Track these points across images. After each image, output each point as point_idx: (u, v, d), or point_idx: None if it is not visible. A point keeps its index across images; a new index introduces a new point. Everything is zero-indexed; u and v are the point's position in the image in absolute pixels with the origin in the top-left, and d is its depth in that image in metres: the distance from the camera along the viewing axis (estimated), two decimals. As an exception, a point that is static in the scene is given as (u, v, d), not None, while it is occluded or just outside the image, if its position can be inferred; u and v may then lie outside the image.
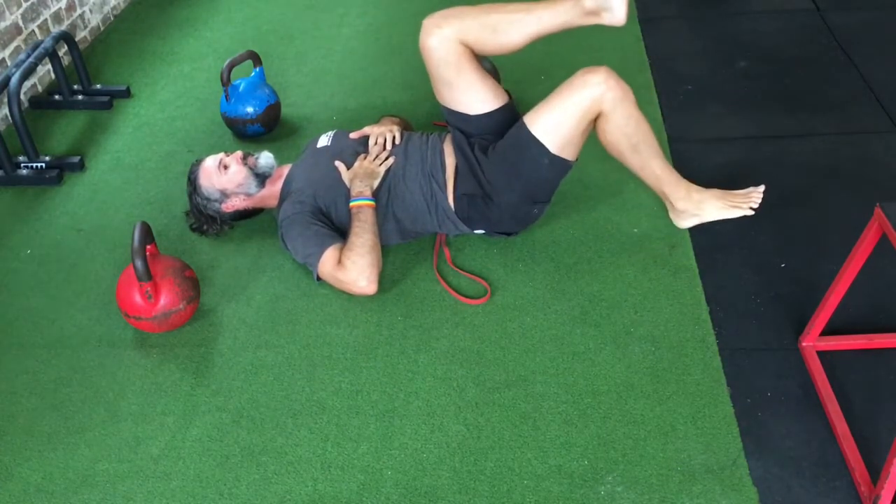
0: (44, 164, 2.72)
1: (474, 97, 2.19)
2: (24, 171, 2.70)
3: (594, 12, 2.05)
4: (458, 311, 2.11)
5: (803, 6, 3.49)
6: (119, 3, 3.88)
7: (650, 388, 1.87)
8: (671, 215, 2.21)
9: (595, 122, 2.07)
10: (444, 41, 2.10)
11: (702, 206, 2.13)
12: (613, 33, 3.32)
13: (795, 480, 1.67)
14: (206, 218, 2.35)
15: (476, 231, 2.28)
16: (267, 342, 2.06)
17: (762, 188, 2.13)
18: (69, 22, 3.41)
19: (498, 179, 2.14)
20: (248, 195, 2.32)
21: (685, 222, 2.18)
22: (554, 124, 2.06)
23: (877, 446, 1.72)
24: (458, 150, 2.21)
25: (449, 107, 2.23)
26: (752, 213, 2.09)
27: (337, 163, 2.28)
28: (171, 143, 2.89)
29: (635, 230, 2.32)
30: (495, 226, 2.25)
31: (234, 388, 1.95)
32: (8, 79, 2.66)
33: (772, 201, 2.42)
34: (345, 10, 3.77)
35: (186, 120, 3.02)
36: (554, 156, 2.08)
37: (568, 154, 2.10)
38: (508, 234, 2.30)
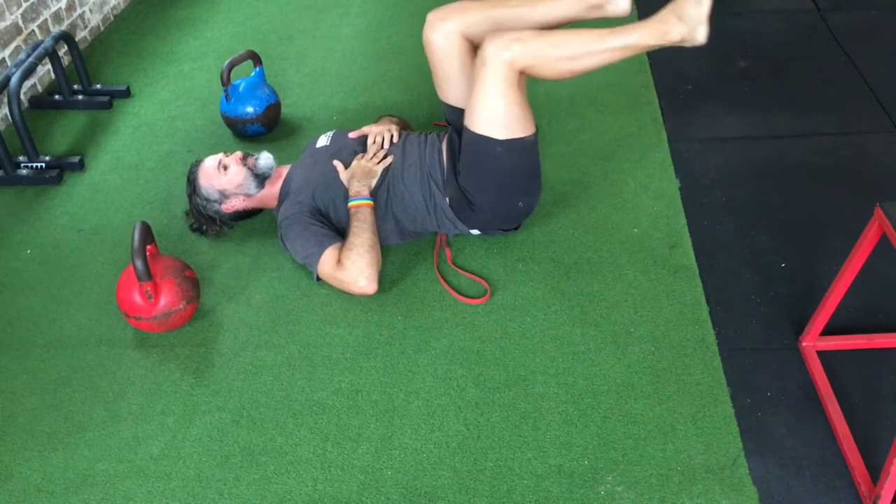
0: (44, 164, 2.72)
1: None
2: (24, 171, 2.70)
3: (598, 5, 2.05)
4: (458, 311, 2.11)
5: (803, 6, 3.49)
6: (119, 3, 3.88)
7: (650, 388, 1.87)
8: (685, 46, 1.96)
9: (529, 76, 2.00)
10: (447, 35, 2.10)
11: (689, 17, 1.87)
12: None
13: (795, 480, 1.67)
14: (205, 218, 2.35)
15: (473, 231, 2.28)
16: (267, 342, 2.06)
17: None
18: (69, 22, 3.41)
19: (471, 185, 2.15)
20: (248, 196, 2.32)
21: (698, 37, 1.90)
22: (486, 112, 2.02)
23: (877, 446, 1.72)
24: (450, 151, 2.21)
25: (449, 103, 2.23)
26: None
27: (335, 162, 2.28)
28: (171, 143, 2.89)
29: (635, 230, 2.32)
30: (488, 225, 2.25)
31: (234, 388, 1.95)
32: (8, 79, 2.66)
33: (772, 201, 2.43)
34: (345, 10, 3.77)
35: (186, 120, 3.02)
36: (504, 141, 2.04)
37: (518, 131, 2.05)
38: (506, 231, 2.29)
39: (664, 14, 1.90)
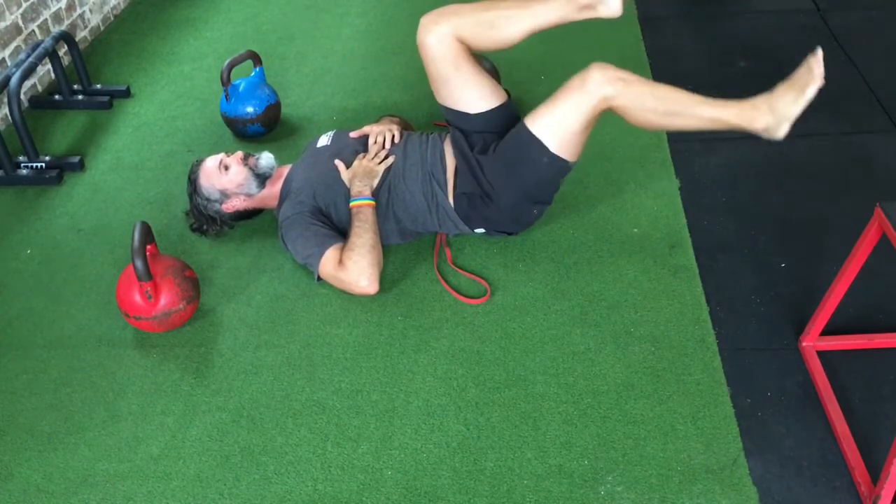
0: (44, 164, 2.72)
1: (472, 94, 2.19)
2: (24, 171, 2.70)
3: (589, 6, 2.05)
4: (458, 311, 2.11)
5: (803, 6, 3.49)
6: (119, 3, 3.88)
7: (650, 388, 1.87)
8: (762, 136, 1.99)
9: (616, 113, 2.03)
10: (441, 38, 2.11)
11: (778, 111, 1.93)
12: (613, 33, 3.34)
13: (795, 480, 1.67)
14: (206, 218, 2.35)
15: (476, 231, 2.28)
16: (267, 342, 2.06)
17: (819, 52, 1.96)
18: (69, 22, 3.41)
19: (497, 179, 2.14)
20: (249, 195, 2.32)
21: (779, 133, 1.95)
22: (554, 122, 2.05)
23: (877, 446, 1.72)
24: (457, 148, 2.21)
25: (447, 105, 2.23)
26: (822, 81, 1.92)
27: (336, 161, 2.29)
28: (171, 143, 2.89)
29: (635, 230, 2.32)
30: (495, 225, 2.25)
31: (234, 388, 1.95)
32: (8, 79, 2.66)
33: (772, 201, 2.43)
34: (345, 10, 3.77)
35: (186, 120, 3.02)
36: (554, 155, 2.07)
37: (568, 154, 2.09)
38: (509, 234, 2.29)
39: (759, 101, 1.94)
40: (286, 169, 2.38)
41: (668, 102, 1.99)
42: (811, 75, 1.90)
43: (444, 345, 2.02)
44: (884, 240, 1.66)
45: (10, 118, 2.79)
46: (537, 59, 3.17)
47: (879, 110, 2.79)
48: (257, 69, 2.82)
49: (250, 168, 2.31)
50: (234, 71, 2.77)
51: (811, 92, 1.90)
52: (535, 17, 2.09)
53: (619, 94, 1.97)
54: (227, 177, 2.30)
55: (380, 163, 2.26)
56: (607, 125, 2.76)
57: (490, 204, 2.17)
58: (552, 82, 3.01)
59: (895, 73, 2.97)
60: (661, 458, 1.71)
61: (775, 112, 1.92)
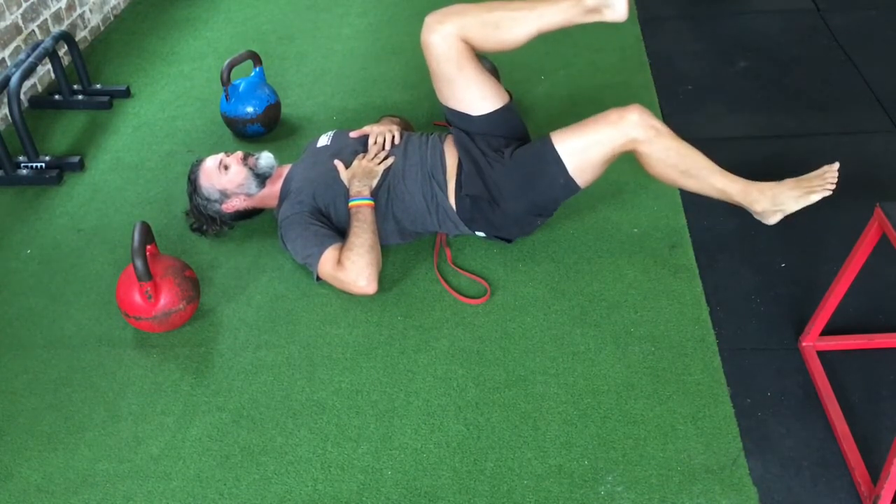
0: (44, 164, 2.72)
1: (475, 95, 2.19)
2: (24, 171, 2.70)
3: (595, 9, 2.06)
4: (458, 311, 2.11)
5: (803, 6, 3.49)
6: (119, 3, 3.88)
7: (650, 388, 1.87)
8: (755, 217, 2.09)
9: (636, 156, 2.08)
10: (446, 38, 2.11)
11: (779, 201, 2.01)
12: (613, 33, 3.34)
13: (795, 480, 1.67)
14: (206, 218, 2.35)
15: (477, 233, 2.28)
16: (267, 342, 2.06)
17: (836, 166, 2.01)
18: (69, 22, 3.41)
19: (508, 186, 2.14)
20: (249, 195, 2.32)
21: (770, 220, 2.05)
22: (580, 148, 2.06)
23: (877, 446, 1.72)
24: (463, 150, 2.20)
25: (450, 106, 2.23)
26: (831, 192, 1.97)
27: (336, 162, 2.29)
28: (171, 143, 2.89)
29: (635, 230, 2.32)
30: (496, 230, 2.25)
31: (234, 388, 1.95)
32: (8, 79, 2.66)
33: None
34: (345, 10, 3.77)
35: (186, 120, 3.02)
36: (570, 178, 2.09)
37: (581, 180, 2.11)
38: (508, 241, 2.29)
39: (766, 187, 2.02)
40: (286, 169, 2.38)
41: (690, 163, 2.05)
42: (823, 183, 1.97)
43: (444, 345, 2.02)
44: (884, 240, 1.66)
45: (10, 118, 2.79)
46: (537, 60, 3.17)
47: (879, 110, 2.79)
48: (257, 69, 2.82)
49: (250, 168, 2.31)
50: (234, 71, 2.77)
51: (816, 198, 1.97)
52: (540, 18, 2.10)
53: (648, 140, 2.01)
54: (226, 177, 2.30)
55: (379, 163, 2.26)
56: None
57: (496, 209, 2.17)
58: (552, 82, 3.03)
59: (895, 73, 2.97)
60: (661, 458, 1.71)
61: (776, 202, 2.00)
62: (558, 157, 2.07)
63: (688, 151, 2.06)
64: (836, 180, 1.98)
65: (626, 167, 2.56)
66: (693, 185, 2.09)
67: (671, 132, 2.06)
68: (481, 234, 2.28)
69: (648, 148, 2.03)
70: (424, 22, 2.15)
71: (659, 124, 2.04)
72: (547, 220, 2.27)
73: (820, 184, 1.98)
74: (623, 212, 2.39)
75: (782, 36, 3.31)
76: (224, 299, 2.20)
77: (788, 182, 2.03)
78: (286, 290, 2.21)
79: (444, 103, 2.25)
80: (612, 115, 2.05)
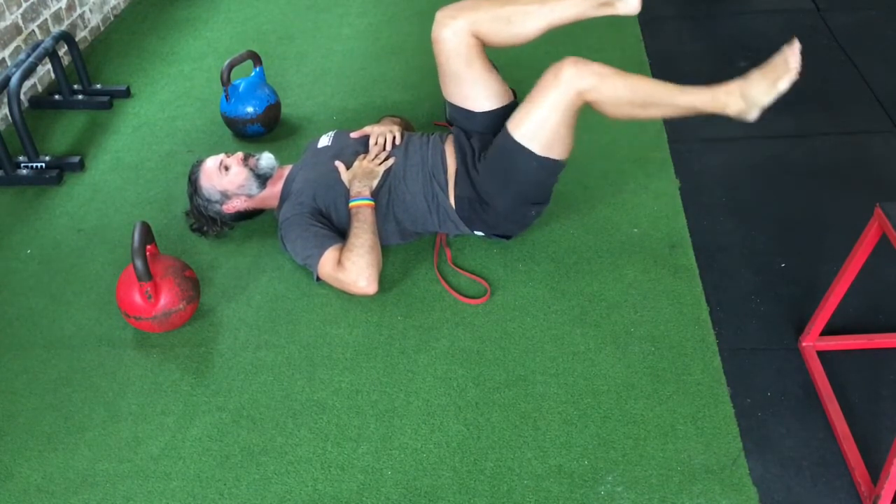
0: (44, 164, 2.72)
1: (481, 92, 2.19)
2: (24, 171, 2.70)
3: (608, 2, 2.05)
4: (458, 311, 2.11)
5: (803, 6, 3.49)
6: (119, 3, 3.88)
7: (650, 388, 1.87)
8: (734, 119, 2.01)
9: (592, 107, 2.04)
10: (457, 32, 2.12)
11: (750, 97, 1.94)
12: (614, 33, 3.34)
13: (795, 480, 1.67)
14: (206, 219, 2.35)
15: (476, 232, 2.28)
16: (267, 342, 2.06)
17: (796, 45, 1.93)
18: (69, 22, 3.41)
19: (490, 186, 2.14)
20: (249, 196, 2.32)
21: (750, 117, 1.97)
22: (537, 126, 2.04)
23: (877, 446, 1.72)
24: (459, 150, 2.21)
25: (453, 102, 2.23)
26: (797, 73, 1.89)
27: (337, 163, 2.28)
28: (171, 143, 2.89)
29: (635, 230, 2.32)
30: (493, 228, 2.25)
31: (234, 388, 1.95)
32: (8, 79, 2.66)
33: (772, 201, 2.43)
34: (345, 10, 3.77)
35: (186, 120, 3.02)
36: (541, 158, 2.07)
37: (556, 153, 2.08)
38: (507, 238, 2.29)
39: (732, 87, 1.95)
40: (287, 169, 2.38)
41: (644, 93, 2.00)
42: (786, 67, 1.88)
43: (444, 345, 2.02)
44: (884, 240, 1.66)
45: (10, 118, 2.79)
46: (537, 59, 3.15)
47: (879, 110, 2.79)
48: (257, 69, 2.82)
49: (251, 169, 2.31)
50: (234, 71, 2.77)
51: (784, 85, 1.89)
52: (552, 13, 2.10)
53: (594, 87, 1.97)
54: (227, 177, 2.29)
55: (380, 164, 2.26)
56: (608, 126, 2.77)
57: (487, 209, 2.17)
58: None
59: (895, 73, 2.97)
60: (661, 458, 1.71)
61: (747, 98, 1.92)
62: (519, 145, 2.06)
63: (639, 83, 2.01)
64: (798, 62, 1.89)
65: (626, 167, 2.57)
66: (659, 113, 2.05)
67: (615, 70, 2.01)
68: (480, 233, 2.28)
69: (597, 94, 1.98)
70: (435, 18, 2.16)
71: (598, 67, 2.00)
72: (543, 208, 2.24)
73: (784, 69, 1.90)
74: (623, 212, 2.39)
75: (782, 36, 3.28)
76: (224, 299, 2.20)
77: (753, 75, 1.95)
78: (286, 290, 2.21)
79: (448, 99, 2.25)
80: (549, 78, 2.01)
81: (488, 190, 2.15)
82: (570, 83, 1.97)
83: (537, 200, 2.20)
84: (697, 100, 1.98)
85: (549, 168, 2.10)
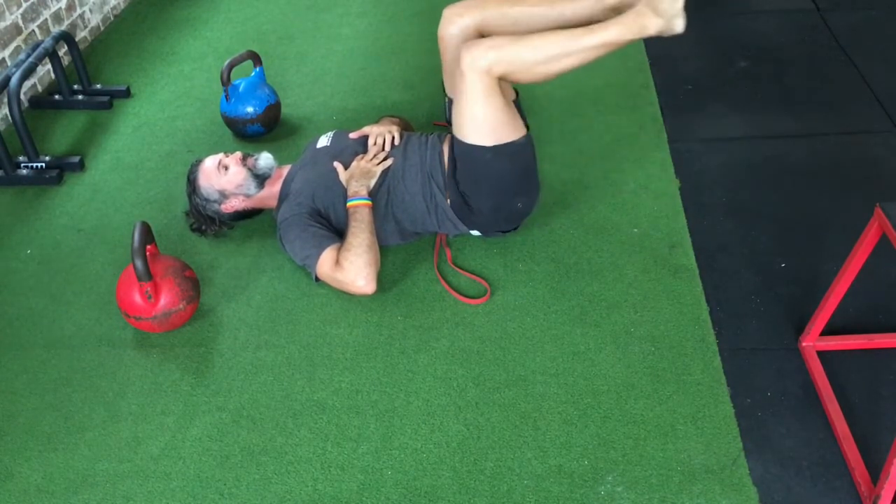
0: (44, 164, 2.72)
1: None
2: (24, 171, 2.70)
3: (616, 8, 2.05)
4: (458, 311, 2.11)
5: (803, 6, 3.49)
6: (119, 3, 3.88)
7: (650, 388, 1.87)
8: (665, 37, 1.97)
9: (508, 80, 2.03)
10: (464, 29, 2.16)
11: (662, 8, 1.88)
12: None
13: (795, 480, 1.67)
14: (205, 218, 2.35)
15: (473, 232, 2.28)
16: (267, 342, 2.06)
17: None
18: (69, 22, 3.41)
19: (469, 190, 2.16)
20: (248, 196, 2.32)
21: (677, 28, 1.92)
22: (473, 123, 2.05)
23: (877, 446, 1.72)
24: (451, 152, 2.21)
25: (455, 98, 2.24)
26: None
27: (335, 163, 2.28)
28: (171, 143, 2.89)
29: (635, 230, 2.32)
30: (486, 227, 2.25)
31: (234, 388, 1.95)
32: (8, 79, 2.66)
33: (772, 201, 2.43)
34: (345, 10, 3.77)
35: (186, 120, 3.02)
36: (494, 147, 2.07)
37: (506, 136, 2.07)
38: (505, 232, 2.29)
39: (641, 7, 1.91)
40: (286, 169, 2.38)
41: (549, 49, 1.98)
42: None
43: (444, 345, 2.02)
44: (884, 240, 1.66)
45: (10, 118, 2.79)
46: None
47: (879, 110, 2.79)
48: (257, 69, 2.82)
49: (249, 168, 2.31)
50: (234, 71, 2.77)
51: None
52: (560, 15, 2.11)
53: (495, 61, 1.97)
54: (225, 177, 2.30)
55: (378, 164, 2.26)
56: (608, 125, 2.77)
57: (474, 210, 2.18)
58: (552, 83, 3.01)
59: (895, 73, 2.97)
60: (661, 458, 1.71)
61: (661, 13, 1.89)
62: (469, 145, 2.08)
63: (540, 40, 1.98)
64: None
65: (626, 167, 2.57)
66: (573, 62, 2.00)
67: (510, 38, 1.99)
68: (476, 232, 2.28)
69: (503, 66, 1.98)
70: (443, 14, 2.19)
71: (490, 41, 1.99)
72: (530, 199, 2.22)
73: None
74: (623, 212, 2.39)
75: (782, 36, 3.31)
76: (224, 299, 2.20)
77: None
78: (286, 290, 2.21)
79: (451, 96, 2.26)
80: (457, 73, 2.01)
81: (467, 193, 2.16)
82: (472, 68, 1.98)
83: (517, 191, 2.19)
84: (610, 34, 1.93)
85: (507, 153, 2.09)
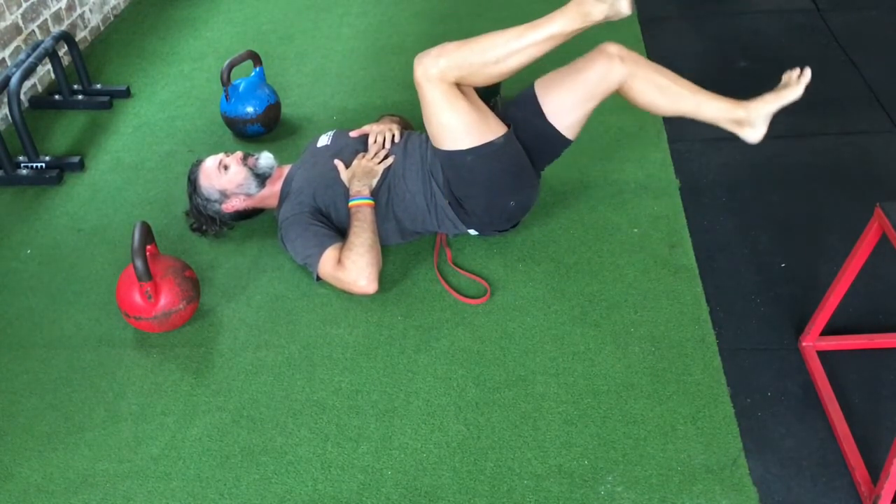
0: (44, 164, 2.72)
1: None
2: (24, 171, 2.70)
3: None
4: (458, 311, 2.11)
5: (803, 6, 3.49)
6: (119, 3, 3.88)
7: (650, 388, 1.87)
8: (614, 20, 1.97)
9: (462, 86, 2.04)
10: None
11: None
12: (614, 34, 3.32)
13: (795, 480, 1.67)
14: (205, 218, 2.35)
15: (471, 231, 2.28)
16: (267, 342, 2.06)
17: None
18: (69, 22, 3.41)
19: (460, 194, 2.17)
20: (248, 195, 2.32)
21: (622, 9, 1.93)
22: (445, 130, 2.06)
23: (877, 446, 1.72)
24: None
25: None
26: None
27: (336, 161, 2.29)
28: (171, 143, 2.89)
29: (635, 230, 2.32)
30: (484, 227, 2.25)
31: (234, 388, 1.95)
32: (8, 79, 2.66)
33: (772, 201, 2.43)
34: (345, 10, 3.77)
35: (186, 120, 3.02)
36: (471, 149, 2.07)
37: (481, 137, 2.07)
38: (502, 231, 2.29)
39: (571, 5, 1.93)
40: (286, 169, 2.38)
41: (496, 50, 1.98)
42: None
43: (444, 345, 2.02)
44: (884, 240, 1.66)
45: (10, 118, 2.79)
46: (537, 62, 3.16)
47: (879, 110, 2.79)
48: (257, 69, 2.82)
49: (250, 168, 2.31)
50: (234, 71, 2.77)
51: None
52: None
53: (446, 68, 1.97)
54: (226, 177, 2.30)
55: (379, 162, 2.26)
56: (608, 125, 2.77)
57: (469, 212, 2.19)
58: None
59: (895, 73, 2.97)
60: (661, 458, 1.71)
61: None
62: (449, 152, 2.09)
63: (486, 42, 1.99)
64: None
65: (626, 167, 2.57)
66: (522, 59, 2.01)
67: (457, 43, 1.99)
68: (474, 231, 2.28)
69: (454, 72, 1.98)
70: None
71: (438, 48, 1.99)
72: (525, 198, 2.20)
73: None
74: (623, 212, 2.39)
75: (782, 36, 3.31)
76: (224, 299, 2.20)
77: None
78: (286, 290, 2.21)
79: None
80: (416, 86, 2.02)
81: (461, 198, 2.17)
82: (426, 78, 1.99)
83: (508, 190, 2.18)
84: (555, 26, 1.94)
85: (487, 154, 2.09)
